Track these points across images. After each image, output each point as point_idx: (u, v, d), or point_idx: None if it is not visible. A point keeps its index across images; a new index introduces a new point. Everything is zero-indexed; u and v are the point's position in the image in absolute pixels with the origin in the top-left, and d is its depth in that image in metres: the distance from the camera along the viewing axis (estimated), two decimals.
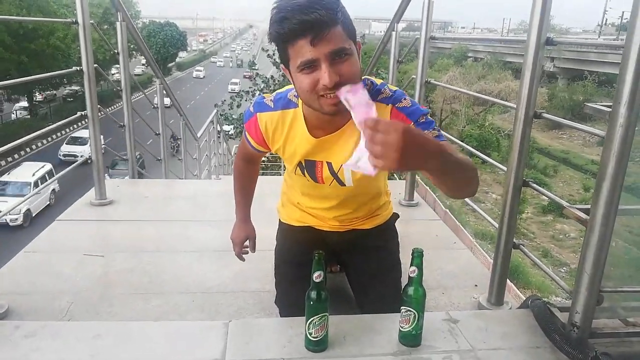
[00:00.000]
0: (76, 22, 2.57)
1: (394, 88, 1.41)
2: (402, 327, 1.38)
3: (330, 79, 1.15)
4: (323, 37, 1.13)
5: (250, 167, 1.79)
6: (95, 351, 1.31)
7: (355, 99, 1.07)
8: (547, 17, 1.57)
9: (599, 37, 38.83)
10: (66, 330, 1.43)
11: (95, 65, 2.73)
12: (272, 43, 1.22)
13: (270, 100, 1.46)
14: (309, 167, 1.51)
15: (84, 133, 19.29)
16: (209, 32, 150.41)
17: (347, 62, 1.18)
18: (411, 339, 1.39)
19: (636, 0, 1.18)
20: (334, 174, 1.50)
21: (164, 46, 49.44)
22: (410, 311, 1.35)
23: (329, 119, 1.33)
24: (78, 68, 2.63)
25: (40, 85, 25.85)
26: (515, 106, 1.68)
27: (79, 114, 2.72)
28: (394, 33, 3.24)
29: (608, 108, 1.29)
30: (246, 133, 1.56)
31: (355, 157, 0.99)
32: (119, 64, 3.25)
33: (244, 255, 1.85)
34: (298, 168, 1.53)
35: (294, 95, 1.43)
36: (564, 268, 15.49)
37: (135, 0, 41.84)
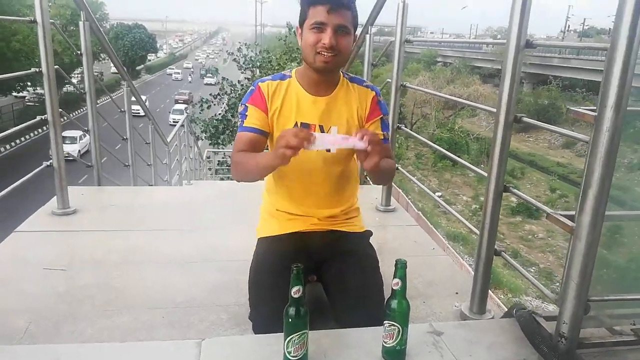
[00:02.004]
0: (35, 21, 2.43)
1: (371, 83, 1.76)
2: (385, 343, 1.32)
3: (329, 41, 1.49)
4: (337, 11, 1.49)
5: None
6: None
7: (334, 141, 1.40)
8: (527, 20, 1.54)
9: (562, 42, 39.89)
10: (21, 354, 1.31)
11: (57, 66, 2.59)
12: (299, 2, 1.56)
13: (268, 77, 1.70)
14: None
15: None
16: (184, 33, 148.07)
17: (345, 37, 1.53)
18: (395, 355, 1.32)
19: (621, 0, 1.15)
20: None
21: (132, 49, 48.51)
22: (394, 325, 1.29)
23: (322, 82, 1.63)
24: (37, 69, 2.48)
25: (1, 88, 24.90)
26: (495, 110, 1.64)
27: (38, 118, 2.57)
28: (367, 36, 3.20)
29: (593, 112, 1.26)
30: (246, 114, 1.63)
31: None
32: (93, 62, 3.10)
33: (216, 267, 1.77)
34: None
35: (288, 72, 1.70)
36: (533, 268, 15.80)
37: (103, 1, 40.96)
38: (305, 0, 1.53)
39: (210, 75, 38.49)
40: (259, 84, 1.66)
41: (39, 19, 2.44)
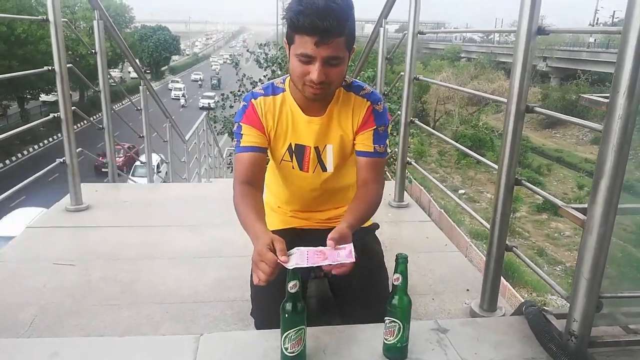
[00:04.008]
0: (47, 20, 2.45)
1: (372, 90, 1.58)
2: (386, 340, 1.28)
3: (318, 77, 1.33)
4: (325, 43, 1.29)
5: (253, 189, 1.50)
6: None
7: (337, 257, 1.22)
8: (539, 5, 1.47)
9: (591, 37, 38.91)
10: (21, 348, 1.31)
11: (70, 64, 2.62)
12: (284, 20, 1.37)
13: (260, 89, 1.56)
14: (298, 151, 1.57)
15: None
16: (211, 33, 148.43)
17: (336, 68, 1.36)
18: (396, 352, 1.28)
19: None
20: (319, 158, 1.58)
21: (156, 50, 49.18)
22: (395, 322, 1.25)
23: (313, 103, 1.48)
24: (50, 68, 2.50)
25: (31, 91, 25.57)
26: (506, 100, 1.58)
27: (51, 115, 2.60)
28: (381, 29, 3.14)
29: (605, 99, 1.19)
30: (241, 133, 1.51)
31: (298, 256, 1.22)
32: (117, 66, 3.14)
33: (223, 263, 1.73)
34: (287, 153, 1.57)
35: (280, 82, 1.56)
36: (559, 266, 15.45)
37: (129, 5, 41.59)
38: (290, 24, 1.33)
39: (209, 96, 34.89)
40: (252, 100, 1.53)
41: (51, 17, 2.46)
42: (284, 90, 1.54)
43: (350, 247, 1.24)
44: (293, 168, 1.59)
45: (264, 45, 13.99)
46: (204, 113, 7.17)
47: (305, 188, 1.65)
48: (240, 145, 1.51)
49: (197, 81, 53.82)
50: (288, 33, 1.37)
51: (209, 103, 33.42)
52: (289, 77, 1.53)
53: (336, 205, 1.73)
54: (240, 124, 1.52)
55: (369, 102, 1.53)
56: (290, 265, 1.18)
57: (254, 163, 1.50)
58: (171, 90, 42.48)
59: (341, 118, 1.54)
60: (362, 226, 1.77)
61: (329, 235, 1.25)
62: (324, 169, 1.59)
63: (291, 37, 1.35)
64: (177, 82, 48.02)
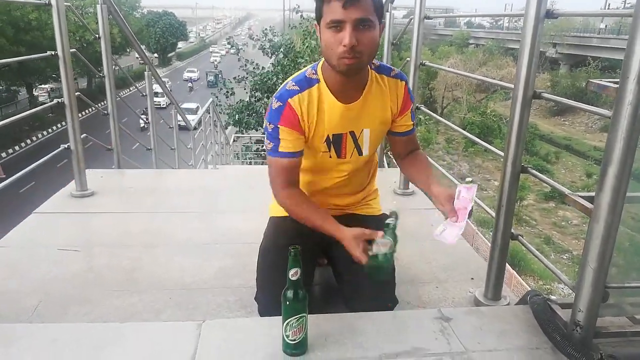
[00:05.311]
0: (49, 4, 2.43)
1: (398, 70, 1.60)
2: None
3: (350, 41, 1.29)
4: (354, 4, 1.28)
5: (297, 190, 1.56)
6: (49, 357, 1.20)
7: (467, 194, 1.36)
8: None
9: (602, 22, 38.29)
10: (21, 334, 1.32)
11: (73, 49, 2.60)
12: None
13: (292, 85, 1.49)
14: (335, 141, 1.55)
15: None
16: (221, 18, 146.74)
17: (367, 32, 1.33)
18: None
19: None
20: (355, 143, 1.57)
21: (163, 36, 49.03)
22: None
23: (350, 82, 1.46)
24: (53, 52, 2.49)
25: (40, 77, 25.61)
26: (512, 86, 1.55)
27: (55, 101, 2.59)
28: (387, 15, 3.09)
29: (615, 84, 1.16)
30: (279, 137, 1.47)
31: (440, 228, 1.37)
32: (125, 52, 3.12)
33: (227, 250, 1.73)
34: (325, 144, 1.54)
35: (312, 73, 1.50)
36: (566, 255, 15.39)
37: None
38: None
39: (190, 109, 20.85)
40: (289, 100, 1.45)
41: (53, 1, 2.44)
42: (318, 80, 1.48)
43: (459, 187, 1.39)
44: (330, 157, 1.58)
45: (267, 30, 13.89)
46: (210, 99, 7.10)
47: (333, 175, 1.64)
48: (279, 150, 1.47)
49: (188, 81, 40.65)
50: (317, 9, 1.37)
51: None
52: (320, 64, 1.49)
53: (353, 191, 1.74)
54: (278, 126, 1.46)
55: (403, 82, 1.56)
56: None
57: (295, 167, 1.52)
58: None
59: (378, 101, 1.54)
60: (374, 215, 1.76)
61: (443, 202, 1.40)
62: (360, 153, 1.59)
63: (320, 9, 1.35)
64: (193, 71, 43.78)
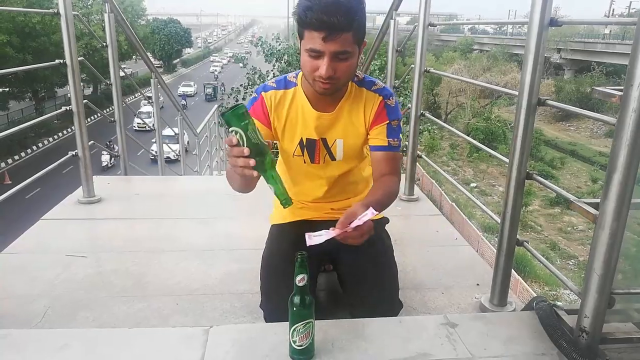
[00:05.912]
0: (58, 14, 2.46)
1: (383, 85, 1.59)
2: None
3: (326, 72, 1.34)
4: (333, 39, 1.30)
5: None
6: None
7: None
8: None
9: (606, 28, 38.26)
10: (31, 339, 1.33)
11: (81, 57, 2.63)
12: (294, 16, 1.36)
13: (272, 82, 1.58)
14: (309, 145, 1.58)
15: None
16: (226, 25, 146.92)
17: (344, 62, 1.36)
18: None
19: None
20: (327, 148, 1.59)
21: (168, 42, 49.36)
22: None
23: (324, 98, 1.49)
24: (61, 61, 2.52)
25: (44, 84, 25.79)
26: (517, 93, 1.56)
27: (63, 108, 2.62)
28: (392, 21, 3.11)
29: (619, 91, 1.17)
30: None
31: (317, 233, 1.21)
32: (130, 58, 3.15)
33: (233, 256, 1.73)
34: (298, 147, 1.58)
35: (293, 77, 1.57)
36: (572, 260, 15.31)
37: None
38: (299, 20, 1.34)
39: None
40: (262, 93, 1.54)
41: (62, 10, 2.47)
42: (295, 84, 1.55)
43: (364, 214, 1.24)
44: (305, 162, 1.61)
45: (264, 38, 13.98)
46: (215, 106, 7.14)
47: (315, 181, 1.67)
48: None
49: (182, 97, 32.10)
50: (298, 29, 1.38)
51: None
52: (301, 73, 1.53)
53: (347, 196, 1.74)
54: None
55: (380, 97, 1.54)
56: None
57: None
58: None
59: (352, 113, 1.55)
60: (373, 219, 1.77)
61: (345, 214, 1.25)
62: (333, 158, 1.60)
63: (301, 32, 1.36)
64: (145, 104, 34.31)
